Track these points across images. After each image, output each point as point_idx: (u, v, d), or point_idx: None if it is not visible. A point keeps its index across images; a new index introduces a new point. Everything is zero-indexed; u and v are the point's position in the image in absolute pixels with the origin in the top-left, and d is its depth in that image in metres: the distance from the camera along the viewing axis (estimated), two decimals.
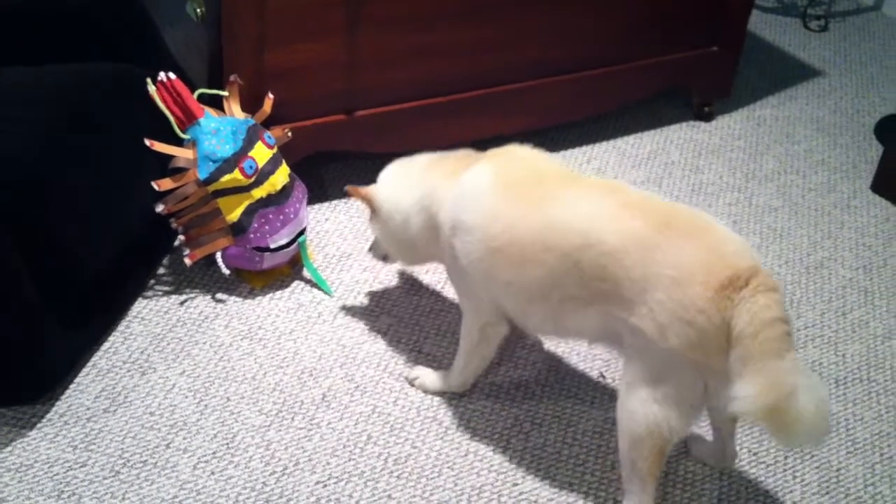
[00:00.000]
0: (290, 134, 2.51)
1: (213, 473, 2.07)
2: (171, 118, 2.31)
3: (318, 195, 2.82)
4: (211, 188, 2.32)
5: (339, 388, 2.27)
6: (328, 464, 2.11)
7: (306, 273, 2.57)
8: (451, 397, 2.27)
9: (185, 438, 2.14)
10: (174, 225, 2.38)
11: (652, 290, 1.75)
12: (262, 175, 2.37)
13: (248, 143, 2.35)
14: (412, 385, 2.29)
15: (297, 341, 2.39)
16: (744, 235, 2.72)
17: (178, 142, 2.34)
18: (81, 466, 2.06)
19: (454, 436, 2.18)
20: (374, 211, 2.23)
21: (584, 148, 3.15)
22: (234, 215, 2.36)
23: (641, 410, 1.82)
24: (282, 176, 2.42)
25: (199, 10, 2.50)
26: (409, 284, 2.58)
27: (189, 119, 2.32)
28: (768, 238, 2.83)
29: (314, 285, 2.55)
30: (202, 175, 2.30)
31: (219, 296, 2.50)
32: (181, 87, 2.30)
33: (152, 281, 2.52)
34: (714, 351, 1.72)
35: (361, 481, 2.07)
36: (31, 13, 2.48)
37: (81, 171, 2.27)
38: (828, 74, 3.69)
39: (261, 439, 2.15)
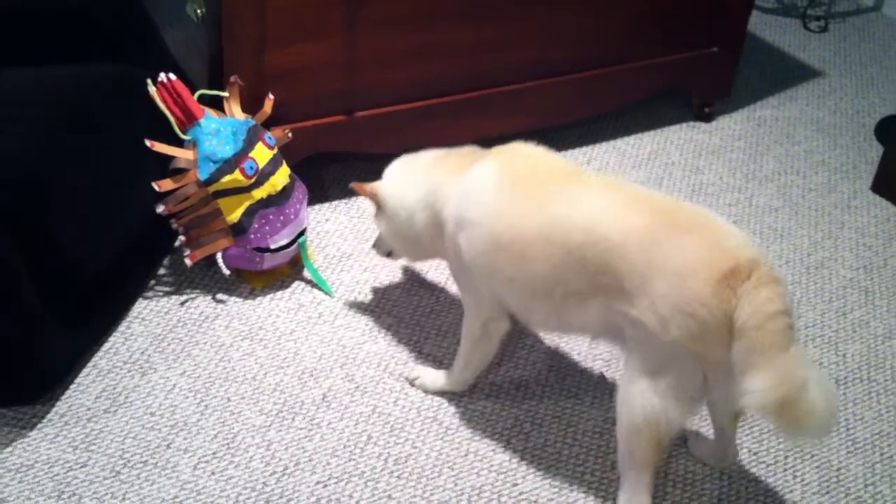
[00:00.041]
0: (290, 134, 2.51)
1: (213, 474, 2.07)
2: (172, 119, 2.31)
3: (319, 196, 2.83)
4: (211, 189, 2.32)
5: (340, 389, 2.28)
6: (328, 464, 2.11)
7: (307, 273, 2.58)
8: (452, 397, 2.27)
9: (185, 439, 2.14)
10: (175, 226, 2.38)
11: (654, 282, 1.75)
12: (263, 176, 2.37)
13: (249, 144, 2.36)
14: (412, 385, 2.29)
15: (297, 342, 2.39)
16: None
17: (179, 142, 2.34)
18: (82, 467, 2.06)
19: (454, 436, 2.18)
20: (380, 207, 2.25)
21: (584, 148, 3.15)
22: (235, 216, 2.36)
23: (640, 401, 1.82)
24: (282, 176, 2.42)
25: (199, 11, 2.50)
26: (410, 285, 2.58)
27: (189, 120, 2.32)
28: (769, 238, 2.83)
29: (314, 286, 2.55)
30: (203, 176, 2.30)
31: (219, 296, 2.50)
32: (181, 88, 2.30)
33: (153, 281, 2.52)
34: (715, 343, 1.73)
35: (362, 481, 2.08)
36: (31, 13, 2.48)
37: (81, 171, 2.27)
38: (828, 75, 3.69)
39: (261, 439, 2.15)
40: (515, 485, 2.09)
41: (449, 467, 2.12)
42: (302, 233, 2.50)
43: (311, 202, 2.68)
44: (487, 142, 2.20)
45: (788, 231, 2.87)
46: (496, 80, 2.88)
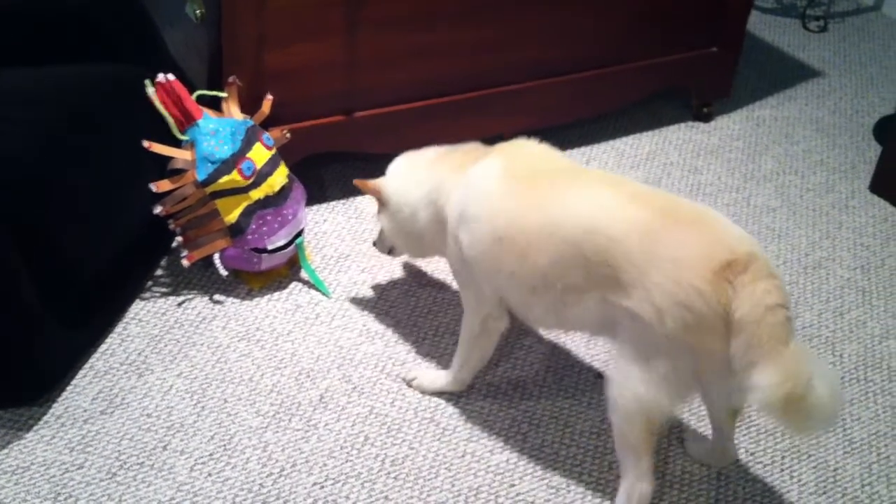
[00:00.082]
0: (288, 135, 2.51)
1: (210, 475, 2.07)
2: (170, 119, 2.31)
3: (317, 196, 2.83)
4: (209, 189, 2.32)
5: (337, 390, 2.28)
6: (325, 465, 2.11)
7: (304, 274, 2.58)
8: (449, 398, 2.27)
9: (182, 440, 2.14)
10: (172, 226, 2.39)
11: (650, 274, 1.76)
12: (261, 176, 2.37)
13: (247, 145, 2.36)
14: (410, 386, 2.29)
15: (294, 342, 2.39)
16: None
17: (177, 143, 2.34)
18: (78, 468, 2.06)
19: (451, 437, 2.19)
20: (383, 204, 2.25)
21: (583, 148, 3.15)
22: (233, 216, 2.36)
23: (633, 388, 1.83)
24: (280, 177, 2.42)
25: (198, 11, 2.50)
26: (408, 286, 2.58)
27: (188, 120, 2.32)
28: (767, 238, 2.83)
29: (312, 286, 2.55)
30: (200, 176, 2.30)
31: (217, 297, 2.50)
32: (180, 89, 2.30)
33: (150, 282, 2.52)
34: (711, 335, 1.73)
35: (359, 482, 2.08)
36: (31, 13, 2.48)
37: (81, 171, 2.27)
38: (827, 75, 3.69)
39: (258, 441, 2.15)
40: (513, 485, 2.09)
41: (446, 468, 2.12)
42: (300, 233, 2.50)
43: (309, 203, 2.68)
44: (488, 141, 2.20)
45: (786, 231, 2.87)
46: (496, 80, 2.88)
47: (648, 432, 1.88)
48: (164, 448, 2.12)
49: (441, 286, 2.58)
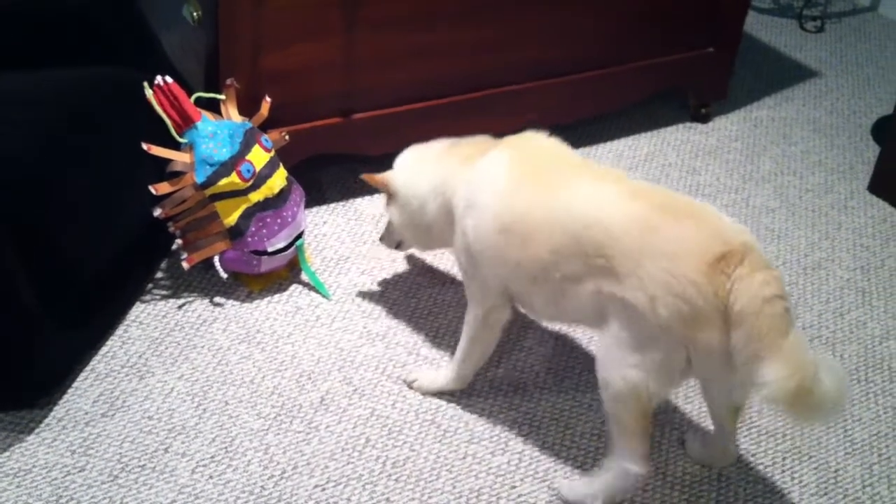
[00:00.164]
0: (287, 137, 2.51)
1: (211, 477, 2.07)
2: (168, 122, 2.31)
3: (316, 198, 2.82)
4: (208, 192, 2.32)
5: (338, 392, 2.27)
6: (326, 467, 2.10)
7: (304, 276, 2.57)
8: (450, 400, 2.27)
9: (183, 442, 2.13)
10: (172, 229, 2.38)
11: (645, 264, 1.77)
12: (260, 178, 2.37)
13: (246, 147, 2.35)
14: (411, 388, 2.29)
15: (295, 345, 2.39)
16: None
17: (176, 145, 2.34)
18: (80, 471, 2.06)
19: (452, 439, 2.18)
20: (391, 196, 2.26)
21: (581, 150, 3.15)
22: (232, 219, 2.36)
23: (622, 373, 1.84)
24: (279, 179, 2.42)
25: (195, 14, 2.49)
26: (408, 287, 2.58)
27: (186, 123, 2.32)
28: (766, 239, 2.83)
29: (312, 289, 2.55)
30: (199, 179, 2.30)
31: (217, 299, 2.50)
32: (178, 91, 2.30)
33: (150, 285, 2.51)
34: (707, 327, 1.74)
35: (360, 485, 2.07)
36: (31, 13, 2.48)
37: (81, 171, 2.27)
38: (824, 75, 3.69)
39: (259, 443, 2.14)
40: (514, 487, 2.09)
41: (447, 470, 2.12)
42: (299, 236, 2.50)
43: (309, 205, 2.68)
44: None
45: (785, 232, 2.88)
46: (496, 80, 2.88)
47: (642, 415, 1.89)
48: (166, 451, 2.11)
49: (441, 287, 2.58)
